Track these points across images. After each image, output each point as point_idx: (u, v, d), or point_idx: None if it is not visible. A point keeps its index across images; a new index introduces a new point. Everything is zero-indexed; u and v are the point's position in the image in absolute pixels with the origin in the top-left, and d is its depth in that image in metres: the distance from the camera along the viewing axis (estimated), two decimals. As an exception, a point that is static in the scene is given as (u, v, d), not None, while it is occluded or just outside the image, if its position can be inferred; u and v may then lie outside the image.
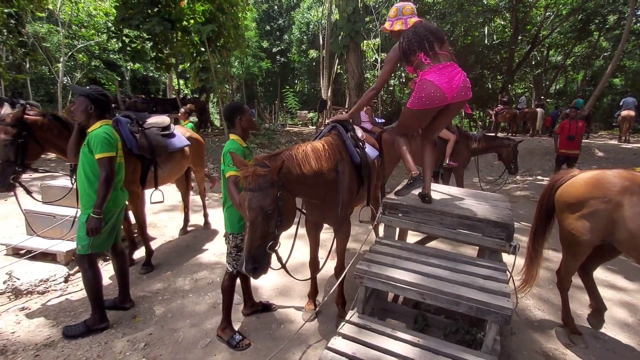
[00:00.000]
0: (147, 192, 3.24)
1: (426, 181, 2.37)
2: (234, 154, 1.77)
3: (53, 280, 2.83)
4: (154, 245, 3.60)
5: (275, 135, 10.37)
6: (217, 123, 16.22)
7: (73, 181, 2.88)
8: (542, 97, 17.25)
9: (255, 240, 1.60)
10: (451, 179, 5.36)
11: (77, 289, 2.80)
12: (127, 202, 2.77)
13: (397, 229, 2.46)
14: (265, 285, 2.95)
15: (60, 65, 17.64)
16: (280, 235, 1.75)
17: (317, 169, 1.92)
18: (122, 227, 2.67)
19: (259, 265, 1.62)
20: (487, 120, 17.44)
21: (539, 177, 7.87)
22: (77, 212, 2.87)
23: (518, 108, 13.22)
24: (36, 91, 20.90)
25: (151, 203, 3.13)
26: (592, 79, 18.74)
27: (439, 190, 2.70)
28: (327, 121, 2.55)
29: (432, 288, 1.77)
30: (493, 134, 8.25)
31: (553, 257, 3.88)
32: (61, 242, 3.10)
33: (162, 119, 3.25)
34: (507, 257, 2.26)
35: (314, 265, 2.51)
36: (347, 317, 2.00)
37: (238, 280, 2.54)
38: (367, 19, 13.77)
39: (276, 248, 1.73)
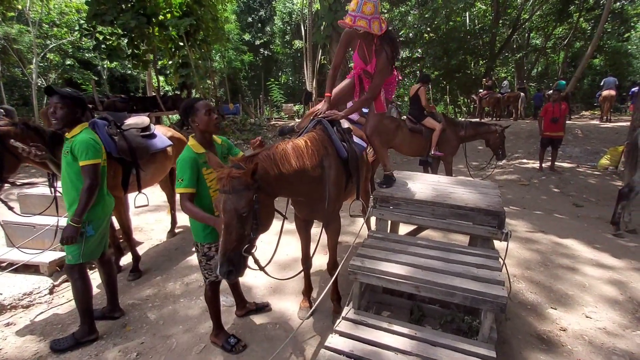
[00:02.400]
0: (131, 196, 3.14)
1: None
2: (211, 155, 1.69)
3: (37, 293, 2.72)
4: (141, 250, 3.51)
5: (261, 130, 10.22)
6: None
7: (52, 190, 2.76)
8: (524, 81, 17.49)
9: (230, 243, 1.55)
10: (440, 167, 5.39)
11: (63, 301, 2.70)
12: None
13: (389, 222, 2.44)
14: (259, 284, 2.90)
15: (33, 66, 16.93)
16: (257, 238, 1.69)
17: (298, 167, 1.85)
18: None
19: (234, 269, 1.58)
20: (472, 106, 17.64)
21: (524, 160, 8.00)
22: (58, 220, 2.77)
23: (501, 92, 13.38)
24: (10, 95, 20.06)
25: (135, 207, 3.03)
26: (572, 60, 19.08)
27: (429, 181, 2.68)
28: (310, 113, 2.48)
29: (426, 280, 1.76)
30: (480, 120, 8.32)
31: (541, 238, 3.97)
32: (43, 252, 2.97)
33: (142, 119, 3.12)
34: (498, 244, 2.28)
35: (306, 263, 2.47)
36: (343, 313, 1.98)
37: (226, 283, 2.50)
38: (347, 8, 13.58)
39: (253, 251, 1.68)
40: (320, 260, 3.17)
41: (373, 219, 2.54)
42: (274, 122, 14.02)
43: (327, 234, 2.30)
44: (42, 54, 18.06)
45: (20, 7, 15.48)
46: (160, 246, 3.71)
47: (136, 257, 3.04)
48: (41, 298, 2.72)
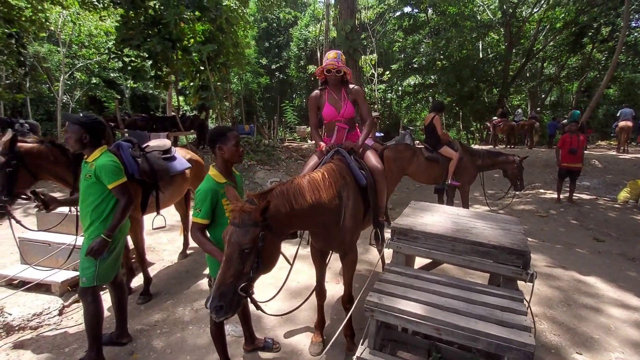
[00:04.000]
0: (149, 216, 3.16)
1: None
2: (230, 188, 1.69)
3: (47, 314, 2.70)
4: (152, 271, 3.49)
5: (275, 152, 10.32)
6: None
7: (74, 210, 2.80)
8: (538, 110, 17.43)
9: (226, 277, 1.50)
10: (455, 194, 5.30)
11: (71, 323, 2.67)
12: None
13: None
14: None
15: (59, 84, 17.83)
16: (257, 278, 1.62)
17: (313, 201, 1.82)
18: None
19: (225, 305, 1.49)
20: (485, 133, 17.56)
21: (541, 190, 7.81)
22: (75, 239, 2.79)
23: (515, 120, 13.33)
24: (36, 110, 21.00)
25: (153, 229, 3.04)
26: (586, 90, 19.02)
27: (448, 213, 2.62)
28: (325, 145, 2.51)
29: (447, 322, 1.68)
30: (497, 149, 8.27)
31: (562, 275, 3.80)
32: (57, 271, 2.98)
33: (164, 142, 3.20)
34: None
35: (320, 294, 2.40)
36: (358, 353, 1.89)
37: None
38: (362, 36, 14.00)
39: (250, 292, 1.58)
40: (332, 290, 3.09)
41: (389, 250, 2.47)
42: (287, 144, 14.20)
43: (343, 266, 2.25)
44: (69, 73, 19.05)
45: (52, 28, 16.54)
46: (171, 268, 3.69)
47: (147, 280, 3.02)
48: (50, 319, 2.70)
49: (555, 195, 6.94)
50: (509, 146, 13.09)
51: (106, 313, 2.75)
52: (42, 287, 2.98)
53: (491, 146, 12.85)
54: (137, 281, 3.28)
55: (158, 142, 3.19)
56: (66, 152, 2.61)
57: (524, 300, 1.89)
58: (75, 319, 2.70)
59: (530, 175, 8.77)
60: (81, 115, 2.13)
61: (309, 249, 2.41)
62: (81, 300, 2.21)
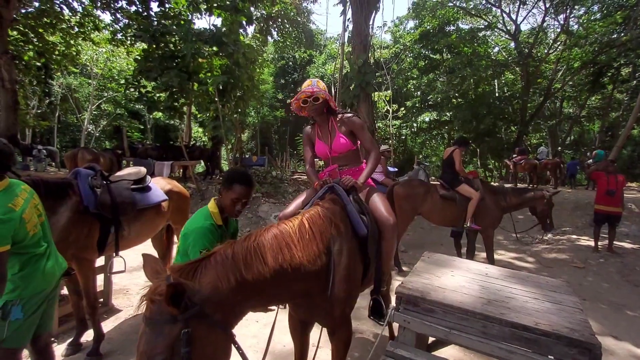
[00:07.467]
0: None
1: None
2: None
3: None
4: (116, 320, 2.97)
5: (282, 184, 9.95)
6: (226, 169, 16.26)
7: None
8: (559, 149, 16.74)
9: None
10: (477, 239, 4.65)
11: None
12: (75, 273, 2.25)
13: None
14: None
15: (87, 113, 18.69)
16: None
17: (280, 265, 1.27)
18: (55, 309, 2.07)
19: None
20: (504, 170, 16.81)
21: (573, 236, 6.97)
22: None
23: (537, 159, 12.66)
24: (62, 137, 22.00)
25: (109, 274, 2.58)
26: (608, 130, 18.25)
27: (473, 271, 2.03)
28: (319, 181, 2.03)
29: None
30: (522, 186, 7.62)
31: (615, 348, 3.03)
32: None
33: (138, 170, 2.81)
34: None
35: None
36: None
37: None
38: (377, 74, 14.08)
39: None
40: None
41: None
42: (296, 176, 13.89)
43: (332, 346, 1.68)
44: (97, 104, 20.07)
45: (88, 63, 17.69)
46: (138, 317, 3.14)
47: (98, 336, 2.46)
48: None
49: (591, 243, 6.12)
50: (531, 185, 12.33)
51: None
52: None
53: (512, 185, 12.14)
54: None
55: (131, 170, 2.82)
56: None
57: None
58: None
59: (559, 218, 7.95)
60: None
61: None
62: None
